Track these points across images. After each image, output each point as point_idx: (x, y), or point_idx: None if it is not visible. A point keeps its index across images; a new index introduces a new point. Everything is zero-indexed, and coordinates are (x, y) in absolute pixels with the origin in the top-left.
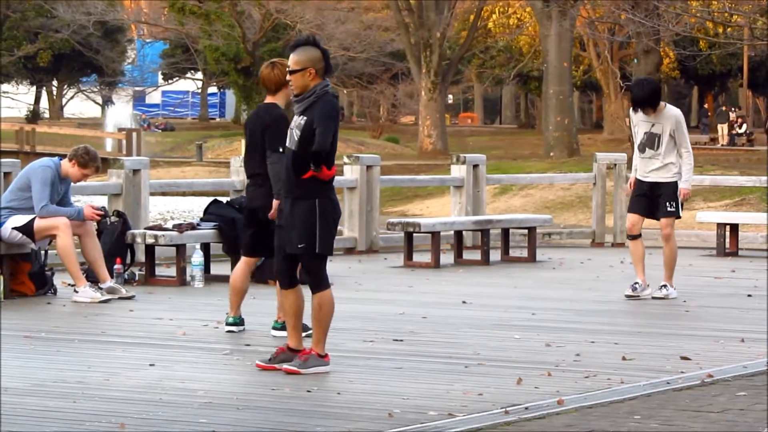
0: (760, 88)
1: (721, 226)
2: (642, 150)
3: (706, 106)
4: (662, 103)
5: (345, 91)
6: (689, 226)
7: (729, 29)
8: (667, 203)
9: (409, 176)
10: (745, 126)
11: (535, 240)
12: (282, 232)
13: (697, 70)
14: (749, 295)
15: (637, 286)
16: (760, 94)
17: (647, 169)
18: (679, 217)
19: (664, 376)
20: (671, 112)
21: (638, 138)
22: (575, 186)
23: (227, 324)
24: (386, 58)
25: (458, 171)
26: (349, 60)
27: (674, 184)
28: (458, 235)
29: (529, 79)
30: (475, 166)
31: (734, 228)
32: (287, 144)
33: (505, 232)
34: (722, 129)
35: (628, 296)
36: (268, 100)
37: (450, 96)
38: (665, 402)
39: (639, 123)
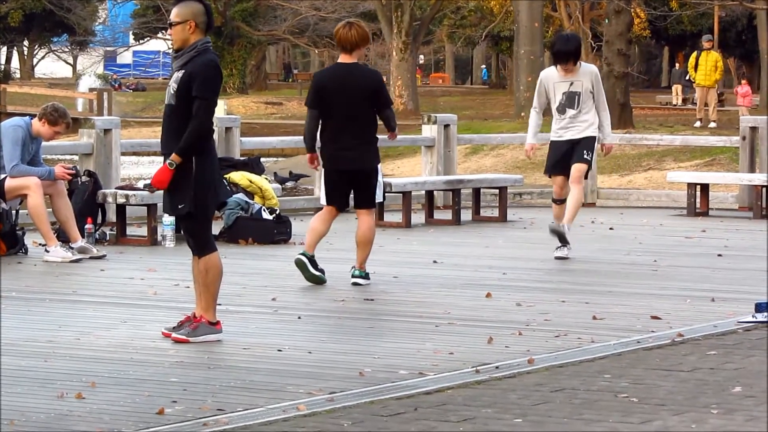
0: (730, 49)
1: (691, 186)
2: (562, 111)
3: (677, 66)
4: (578, 62)
5: (316, 51)
6: (660, 186)
7: None
8: (584, 151)
9: (380, 136)
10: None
11: (506, 200)
12: (165, 193)
13: (667, 30)
14: (719, 255)
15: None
16: (730, 54)
17: (567, 129)
18: (590, 167)
19: (635, 336)
20: (588, 68)
21: (557, 100)
22: (546, 146)
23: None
24: (358, 18)
25: (429, 131)
26: (321, 20)
27: (593, 138)
28: (429, 194)
29: (501, 39)
30: (446, 126)
31: (705, 188)
32: (166, 100)
33: (476, 192)
34: (677, 89)
35: (557, 258)
36: (344, 59)
37: (421, 56)
38: (635, 361)
39: (555, 85)
